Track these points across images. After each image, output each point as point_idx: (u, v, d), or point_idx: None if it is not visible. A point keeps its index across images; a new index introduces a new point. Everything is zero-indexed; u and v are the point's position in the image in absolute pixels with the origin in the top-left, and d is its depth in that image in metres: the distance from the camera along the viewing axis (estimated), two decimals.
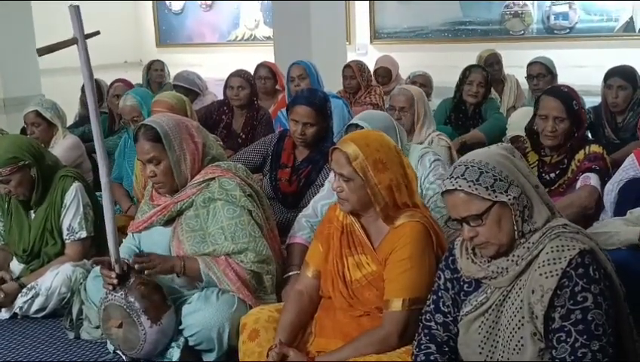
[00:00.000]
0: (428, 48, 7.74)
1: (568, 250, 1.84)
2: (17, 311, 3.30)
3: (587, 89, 5.04)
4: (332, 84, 5.65)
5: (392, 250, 2.24)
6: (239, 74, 4.87)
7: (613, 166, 3.22)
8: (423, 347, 2.08)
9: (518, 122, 4.35)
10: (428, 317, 2.11)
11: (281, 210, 3.47)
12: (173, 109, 3.60)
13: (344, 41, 6.85)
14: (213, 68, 8.54)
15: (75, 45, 2.41)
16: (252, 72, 5.29)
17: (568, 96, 3.16)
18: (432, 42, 7.85)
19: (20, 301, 3.28)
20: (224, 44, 9.52)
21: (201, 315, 2.65)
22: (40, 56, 2.39)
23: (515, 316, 1.90)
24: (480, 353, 1.98)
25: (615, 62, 4.43)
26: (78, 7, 2.39)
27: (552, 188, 3.16)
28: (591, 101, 4.58)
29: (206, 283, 2.71)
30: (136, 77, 6.52)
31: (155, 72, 6.76)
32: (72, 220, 3.37)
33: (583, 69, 6.30)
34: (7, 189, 3.32)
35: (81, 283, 3.16)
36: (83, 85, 5.92)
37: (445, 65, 6.75)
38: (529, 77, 5.26)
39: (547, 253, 1.85)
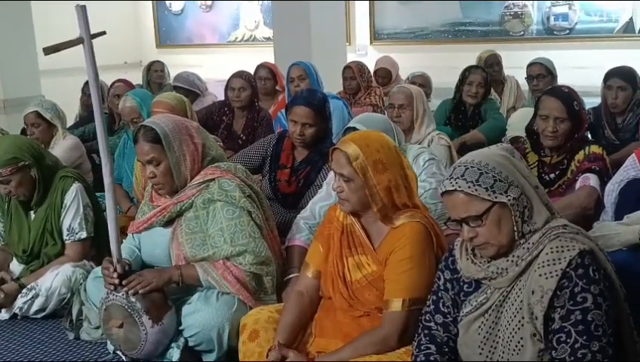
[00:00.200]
0: (428, 49, 7.75)
1: (568, 250, 1.84)
2: (17, 311, 3.31)
3: (587, 90, 5.03)
4: (332, 84, 5.66)
5: (392, 250, 2.24)
6: (240, 75, 4.87)
7: (613, 166, 3.22)
8: (422, 347, 2.08)
9: (518, 123, 4.37)
10: (428, 318, 2.11)
11: (281, 211, 3.47)
12: (173, 110, 3.61)
13: (344, 42, 6.85)
14: (213, 69, 8.54)
15: (78, 45, 2.41)
16: (252, 73, 5.30)
17: (569, 97, 3.16)
18: (431, 43, 7.86)
19: (19, 301, 3.29)
20: (224, 44, 9.52)
21: (201, 316, 2.65)
22: (46, 55, 2.38)
23: (514, 316, 1.90)
24: (480, 353, 1.98)
25: (615, 63, 4.44)
26: (84, 7, 2.40)
27: (552, 188, 3.16)
28: (591, 102, 4.58)
29: (206, 287, 2.71)
30: (136, 78, 6.52)
31: (155, 73, 6.77)
32: (72, 221, 3.37)
33: (582, 70, 6.30)
34: (8, 190, 3.32)
35: (81, 284, 3.17)
36: (83, 86, 6.00)
37: (445, 66, 6.75)
38: (529, 78, 5.26)
39: (547, 254, 1.85)
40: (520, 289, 1.90)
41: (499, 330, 1.95)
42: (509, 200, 1.88)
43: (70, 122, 5.53)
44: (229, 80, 4.89)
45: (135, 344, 2.64)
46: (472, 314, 1.99)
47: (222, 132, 4.80)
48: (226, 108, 4.92)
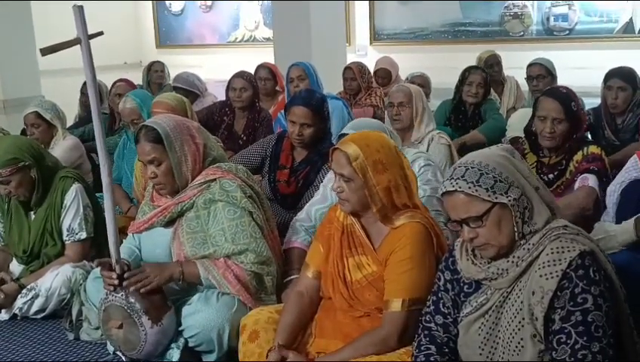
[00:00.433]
0: (428, 49, 7.75)
1: (568, 251, 1.84)
2: (17, 312, 3.30)
3: (587, 90, 5.05)
4: (332, 85, 5.66)
5: (393, 250, 2.24)
6: (242, 75, 4.88)
7: (613, 167, 3.22)
8: (422, 348, 2.08)
9: (517, 123, 4.37)
10: (428, 318, 2.11)
11: (280, 211, 3.47)
12: (173, 110, 3.61)
13: (344, 43, 6.86)
14: (213, 69, 8.55)
15: (78, 46, 2.41)
16: (252, 74, 5.30)
17: (567, 98, 3.16)
18: (431, 43, 7.86)
19: (19, 302, 3.29)
20: (224, 45, 9.53)
21: (201, 316, 2.65)
22: (43, 55, 2.38)
23: (515, 317, 1.90)
24: (480, 354, 1.98)
25: (615, 64, 4.44)
26: (81, 7, 2.39)
27: (551, 189, 3.15)
28: (591, 102, 4.59)
29: (206, 286, 2.71)
30: (136, 78, 6.52)
31: (155, 74, 6.77)
32: (72, 221, 3.37)
33: (582, 71, 6.30)
34: (8, 190, 3.32)
35: (80, 284, 3.17)
36: (82, 86, 6.00)
37: (445, 67, 6.76)
38: (529, 78, 5.26)
39: (547, 255, 1.85)
40: (520, 290, 1.90)
41: (499, 331, 1.95)
42: (509, 200, 1.88)
43: (70, 122, 5.54)
44: (230, 80, 4.89)
45: (134, 344, 2.64)
46: (473, 314, 1.99)
47: (222, 132, 4.80)
48: (226, 109, 4.92)
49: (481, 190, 1.87)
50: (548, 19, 7.16)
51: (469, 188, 1.88)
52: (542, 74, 5.15)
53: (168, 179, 2.76)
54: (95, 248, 3.45)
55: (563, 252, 1.84)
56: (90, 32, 2.46)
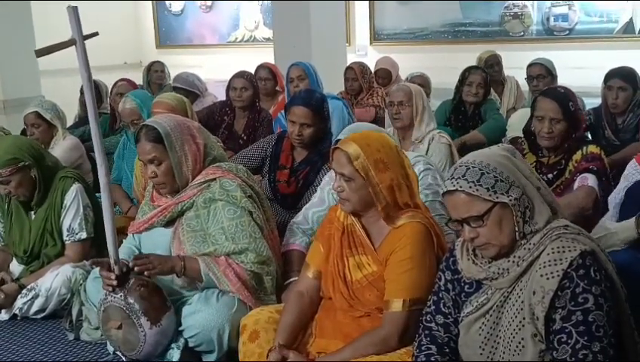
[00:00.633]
0: (428, 50, 7.74)
1: (569, 251, 1.84)
2: (17, 312, 3.31)
3: (587, 90, 5.05)
4: (332, 85, 5.65)
5: (393, 250, 2.24)
6: (242, 75, 4.88)
7: (613, 167, 3.22)
8: (423, 348, 2.08)
9: (518, 123, 4.36)
10: (428, 318, 2.11)
11: (280, 211, 3.47)
12: (173, 110, 3.60)
13: (344, 43, 6.85)
14: (213, 69, 8.54)
15: (74, 46, 2.41)
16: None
17: (565, 98, 3.16)
18: (431, 43, 7.85)
19: (19, 302, 3.29)
20: (224, 45, 9.52)
21: (201, 316, 2.65)
22: (38, 57, 2.39)
23: (515, 317, 1.90)
24: (481, 354, 1.98)
25: (615, 64, 4.44)
26: (76, 8, 2.39)
27: (550, 189, 3.15)
28: (591, 102, 4.59)
29: (206, 283, 2.71)
30: (136, 78, 6.52)
31: (155, 74, 6.77)
32: (72, 221, 3.37)
33: (582, 71, 6.29)
34: (8, 190, 3.32)
35: (80, 285, 3.17)
36: (82, 86, 6.00)
37: (445, 67, 6.75)
38: (529, 78, 5.26)
39: (548, 254, 1.85)
40: (521, 290, 1.90)
41: (500, 331, 1.94)
42: (510, 200, 1.87)
43: (70, 122, 5.54)
44: (230, 80, 4.90)
45: (134, 345, 2.64)
46: (473, 314, 1.99)
47: (223, 132, 4.80)
48: (227, 108, 4.92)
49: (482, 189, 1.87)
50: (548, 19, 7.16)
51: (470, 187, 1.88)
52: (542, 74, 5.15)
53: (168, 179, 2.76)
54: (95, 248, 3.45)
55: (564, 251, 1.83)
56: (89, 31, 2.45)
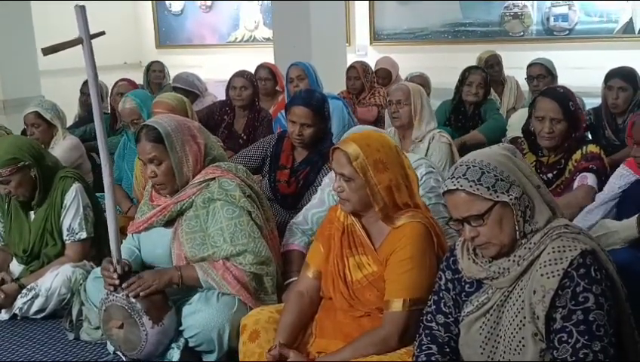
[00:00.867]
0: (428, 50, 7.74)
1: (570, 250, 1.84)
2: (17, 312, 3.30)
3: (587, 90, 5.05)
4: (332, 85, 5.65)
5: (393, 250, 2.24)
6: (242, 74, 4.89)
7: (612, 167, 3.22)
8: (424, 347, 2.08)
9: (518, 123, 4.37)
10: (429, 318, 2.11)
11: (280, 211, 3.47)
12: (173, 110, 3.61)
13: (344, 43, 6.84)
14: (213, 69, 8.54)
15: (78, 46, 2.41)
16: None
17: (564, 97, 3.16)
18: (431, 43, 7.85)
19: (19, 302, 3.28)
20: (224, 45, 9.52)
21: (201, 316, 2.65)
22: (45, 55, 2.38)
23: (516, 316, 1.90)
24: (481, 353, 1.98)
25: (615, 64, 4.44)
26: (83, 7, 2.39)
27: (550, 188, 3.15)
28: (591, 102, 4.59)
29: (206, 288, 2.71)
30: (136, 78, 6.51)
31: (154, 74, 6.77)
32: (72, 221, 3.36)
33: (582, 71, 6.29)
34: (8, 190, 3.32)
35: (80, 284, 3.17)
36: (82, 86, 6.00)
37: (445, 67, 6.75)
38: (529, 78, 5.26)
39: (548, 254, 1.85)
40: (521, 289, 1.90)
41: (500, 330, 1.94)
42: (510, 199, 1.87)
43: (70, 122, 5.53)
44: (230, 79, 4.90)
45: (135, 344, 2.64)
46: (474, 314, 1.99)
47: (222, 131, 4.80)
48: (227, 108, 4.92)
49: (482, 189, 1.87)
50: (548, 19, 7.15)
51: (471, 186, 1.88)
52: (542, 74, 5.15)
53: (168, 179, 2.75)
54: (95, 248, 3.45)
55: (564, 251, 1.83)
56: (90, 31, 2.45)
